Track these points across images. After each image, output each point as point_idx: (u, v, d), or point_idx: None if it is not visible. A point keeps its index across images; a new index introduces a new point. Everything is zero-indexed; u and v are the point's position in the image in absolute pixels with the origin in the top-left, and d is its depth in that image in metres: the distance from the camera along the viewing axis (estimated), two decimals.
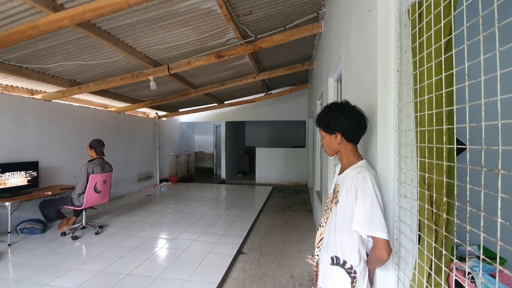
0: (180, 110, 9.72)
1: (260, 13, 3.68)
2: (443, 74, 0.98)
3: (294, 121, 10.48)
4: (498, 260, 0.78)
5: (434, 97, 1.03)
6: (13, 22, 2.91)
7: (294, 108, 9.95)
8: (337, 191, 1.37)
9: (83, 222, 4.44)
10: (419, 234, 1.20)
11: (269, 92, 8.88)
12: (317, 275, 1.49)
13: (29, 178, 4.49)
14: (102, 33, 3.38)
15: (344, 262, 1.30)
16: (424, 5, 1.10)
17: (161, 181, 9.15)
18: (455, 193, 0.96)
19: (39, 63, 4.01)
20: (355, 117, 1.31)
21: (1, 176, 4.08)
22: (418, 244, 1.18)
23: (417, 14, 1.17)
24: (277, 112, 10.11)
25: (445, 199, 1.00)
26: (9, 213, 3.85)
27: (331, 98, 3.54)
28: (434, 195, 1.06)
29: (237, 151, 12.20)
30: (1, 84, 4.50)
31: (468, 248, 0.84)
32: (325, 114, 1.36)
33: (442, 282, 1.02)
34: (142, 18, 3.23)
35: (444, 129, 0.98)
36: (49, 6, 2.64)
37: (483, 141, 0.76)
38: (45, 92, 5.14)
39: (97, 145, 4.33)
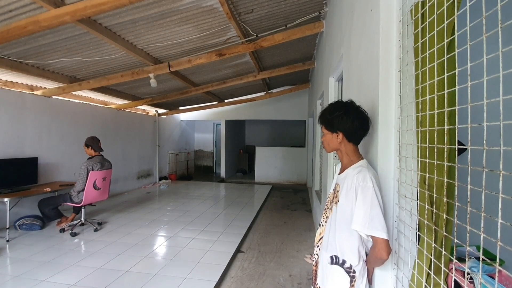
0: (180, 108, 9.72)
1: (262, 12, 3.68)
2: (445, 75, 0.98)
3: (294, 120, 10.48)
4: (498, 260, 0.79)
5: (435, 98, 1.03)
6: (14, 17, 2.90)
7: (294, 107, 9.94)
8: (338, 191, 1.37)
9: (82, 219, 4.45)
10: (418, 234, 1.20)
11: (269, 91, 8.88)
12: (316, 274, 1.49)
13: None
14: (103, 29, 3.37)
15: (344, 262, 1.30)
16: (427, 5, 1.09)
17: (160, 179, 9.15)
18: (456, 193, 0.96)
19: (40, 59, 4.00)
20: (359, 118, 1.30)
21: None
22: (418, 244, 1.19)
23: (419, 14, 1.16)
24: (277, 111, 10.11)
25: (445, 199, 1.00)
26: (8, 209, 3.84)
27: (332, 97, 3.54)
28: (434, 195, 1.06)
29: (236, 150, 12.20)
30: (1, 79, 4.49)
31: (468, 248, 0.85)
32: (329, 112, 1.35)
33: (441, 282, 1.02)
34: (143, 15, 3.23)
35: (445, 130, 0.98)
36: (50, 2, 2.64)
37: (484, 142, 0.76)
38: (45, 88, 5.13)
39: (93, 142, 4.32)
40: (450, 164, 1.00)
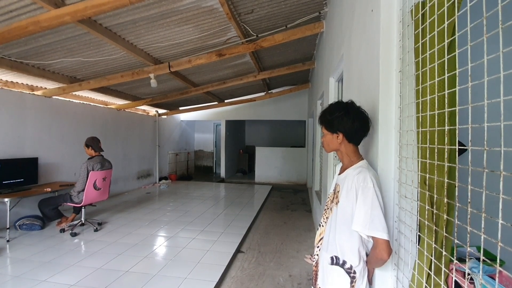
0: (180, 108, 9.72)
1: (262, 12, 3.68)
2: (446, 75, 0.98)
3: (294, 120, 10.48)
4: (498, 261, 0.78)
5: (436, 98, 1.03)
6: (14, 18, 2.90)
7: (294, 107, 9.94)
8: (338, 191, 1.37)
9: (82, 219, 4.44)
10: (418, 235, 1.20)
11: (269, 92, 8.88)
12: (316, 274, 1.49)
13: None
14: (103, 30, 3.37)
15: (344, 262, 1.30)
16: (428, 5, 1.09)
17: (160, 179, 9.15)
18: (456, 194, 0.96)
19: (40, 59, 4.00)
20: (359, 119, 1.30)
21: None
22: (418, 245, 1.19)
23: (420, 15, 1.16)
24: (277, 112, 10.11)
25: (445, 200, 1.00)
26: (8, 209, 3.84)
27: (332, 98, 3.54)
28: (435, 196, 1.06)
29: (236, 150, 12.20)
30: (1, 79, 4.49)
31: (469, 249, 0.85)
32: (329, 112, 1.35)
33: (442, 283, 1.02)
34: (144, 16, 3.23)
35: (446, 130, 0.98)
36: (50, 2, 2.64)
37: (485, 142, 0.76)
38: (45, 88, 5.13)
39: (93, 143, 4.32)
40: (450, 164, 1.00)
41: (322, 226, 1.46)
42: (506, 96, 0.71)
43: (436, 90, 1.03)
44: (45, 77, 4.50)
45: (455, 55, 0.96)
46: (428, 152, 1.09)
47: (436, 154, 1.03)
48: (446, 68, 0.98)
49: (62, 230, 4.22)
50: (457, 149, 0.98)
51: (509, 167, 0.73)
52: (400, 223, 1.33)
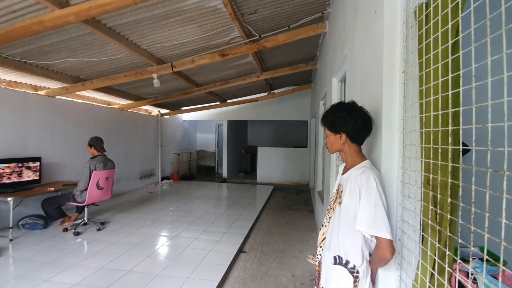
0: (183, 108, 9.74)
1: (265, 12, 3.69)
2: (450, 76, 0.98)
3: (296, 121, 10.48)
4: (502, 261, 0.79)
5: (440, 99, 1.03)
6: (18, 17, 2.92)
7: (297, 108, 9.94)
8: (341, 191, 1.37)
9: (85, 219, 4.46)
10: (422, 235, 1.20)
11: (272, 92, 8.88)
12: (319, 274, 1.49)
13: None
14: (107, 30, 3.39)
15: (347, 262, 1.30)
16: (431, 6, 1.10)
17: (162, 179, 9.17)
18: (460, 194, 0.96)
19: (43, 59, 4.03)
20: (361, 119, 1.31)
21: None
22: (421, 245, 1.19)
23: (424, 15, 1.17)
24: (279, 112, 10.11)
25: (449, 199, 1.00)
26: (11, 208, 3.86)
27: (335, 98, 3.54)
28: (438, 196, 1.06)
29: (239, 150, 12.21)
30: (5, 79, 4.52)
31: (472, 249, 0.85)
32: (331, 113, 1.36)
33: (445, 283, 1.02)
34: (147, 16, 3.24)
35: (449, 130, 0.98)
36: (54, 2, 2.66)
37: (489, 142, 0.76)
38: (48, 88, 5.16)
39: (96, 142, 4.35)
40: (454, 164, 1.00)
41: (325, 226, 1.47)
42: (509, 96, 0.72)
43: (439, 91, 1.04)
44: (48, 77, 4.52)
45: (459, 55, 0.96)
46: (431, 152, 1.10)
47: (439, 154, 1.03)
48: (450, 68, 0.98)
49: (65, 230, 4.24)
50: (461, 149, 0.98)
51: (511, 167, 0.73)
52: (404, 223, 1.34)
